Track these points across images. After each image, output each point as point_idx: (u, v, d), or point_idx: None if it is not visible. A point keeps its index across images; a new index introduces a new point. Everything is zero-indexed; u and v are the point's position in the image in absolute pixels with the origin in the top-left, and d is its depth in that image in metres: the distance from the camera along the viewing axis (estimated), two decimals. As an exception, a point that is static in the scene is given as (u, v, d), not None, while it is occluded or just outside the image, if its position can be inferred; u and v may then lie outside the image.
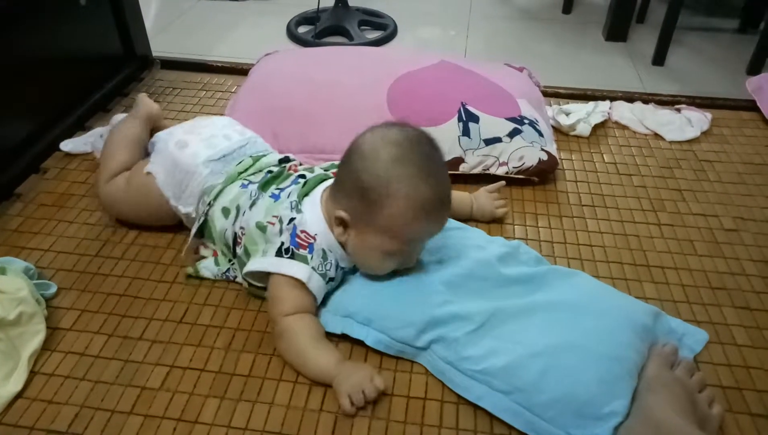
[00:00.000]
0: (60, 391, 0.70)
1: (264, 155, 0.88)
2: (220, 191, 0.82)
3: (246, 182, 0.83)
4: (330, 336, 0.75)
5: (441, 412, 0.68)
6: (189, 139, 0.87)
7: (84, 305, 0.81)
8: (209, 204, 0.82)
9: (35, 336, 0.73)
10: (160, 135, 0.90)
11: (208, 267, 0.84)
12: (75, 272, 0.86)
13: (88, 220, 0.95)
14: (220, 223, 0.81)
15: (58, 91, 1.17)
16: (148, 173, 0.87)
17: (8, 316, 0.71)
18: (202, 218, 0.83)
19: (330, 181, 0.79)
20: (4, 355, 0.70)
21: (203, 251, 0.86)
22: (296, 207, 0.77)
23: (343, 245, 0.76)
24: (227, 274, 0.83)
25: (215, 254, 0.85)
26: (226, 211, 0.81)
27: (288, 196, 0.79)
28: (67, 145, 1.11)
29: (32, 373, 0.72)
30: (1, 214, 0.96)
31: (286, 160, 0.88)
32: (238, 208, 0.80)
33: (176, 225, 0.91)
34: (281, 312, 0.72)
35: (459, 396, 0.69)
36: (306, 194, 0.79)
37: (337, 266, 0.76)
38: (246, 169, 0.85)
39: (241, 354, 0.74)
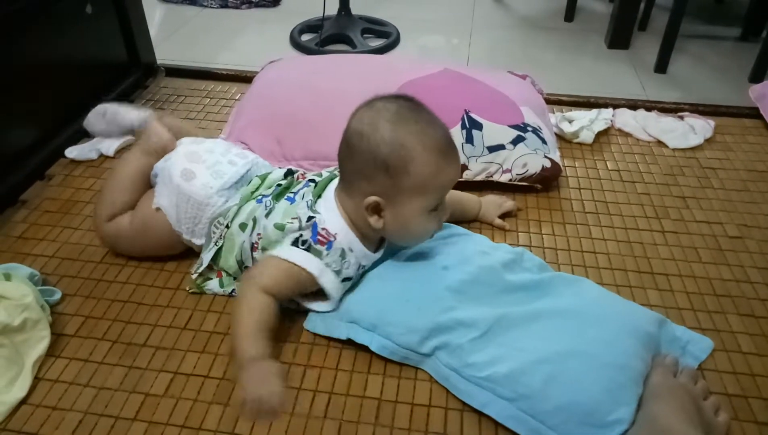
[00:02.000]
0: (64, 397, 0.70)
1: (270, 173, 0.87)
2: (236, 212, 0.82)
3: (260, 197, 0.83)
4: (335, 341, 0.76)
5: (445, 419, 0.68)
6: (194, 168, 0.83)
7: (88, 311, 0.81)
8: (227, 226, 0.81)
9: (39, 342, 0.73)
10: (159, 166, 0.87)
11: (212, 288, 0.84)
12: (79, 278, 0.86)
13: (92, 226, 0.95)
14: (239, 239, 0.81)
15: (64, 97, 1.17)
16: (158, 209, 0.84)
17: (13, 322, 0.71)
18: (221, 242, 0.82)
19: (338, 180, 0.79)
20: (9, 361, 0.70)
21: (207, 272, 0.85)
22: (312, 207, 0.77)
23: (376, 232, 0.76)
24: (233, 294, 0.83)
25: (219, 275, 0.85)
26: (243, 226, 0.81)
27: (303, 198, 0.79)
28: (72, 152, 1.12)
29: (36, 379, 0.72)
30: (6, 221, 0.97)
31: (291, 172, 0.88)
32: (255, 220, 0.80)
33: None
34: (257, 279, 0.72)
35: (463, 403, 0.69)
36: (318, 195, 0.79)
37: (358, 266, 0.77)
38: (257, 188, 0.84)
39: (245, 360, 0.74)
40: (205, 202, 0.82)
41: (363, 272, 0.79)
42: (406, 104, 0.73)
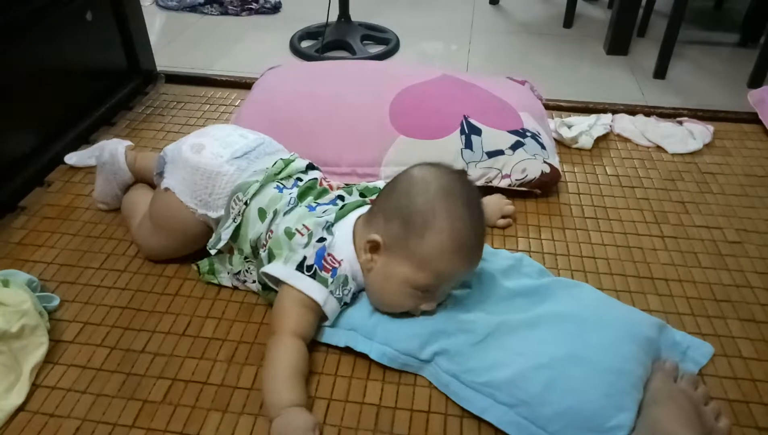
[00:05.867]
0: (62, 404, 0.70)
1: (293, 160, 0.86)
2: (257, 191, 0.80)
3: (280, 186, 0.82)
4: (334, 347, 0.75)
5: (445, 425, 0.68)
6: (203, 141, 0.84)
7: (86, 318, 0.81)
8: (246, 202, 0.79)
9: (38, 349, 0.73)
10: (167, 148, 0.87)
11: (222, 261, 0.83)
12: (78, 285, 0.86)
13: (91, 232, 0.96)
14: (254, 225, 0.79)
15: (63, 104, 1.18)
16: (166, 189, 0.83)
17: (11, 328, 0.71)
18: (239, 219, 0.80)
19: (366, 208, 0.79)
20: (6, 368, 0.70)
21: (218, 263, 0.85)
22: (329, 228, 0.76)
23: (364, 273, 0.75)
24: (238, 276, 0.82)
25: (231, 252, 0.83)
26: (262, 213, 0.79)
27: (324, 213, 0.78)
28: (71, 159, 1.12)
29: (34, 386, 0.71)
30: (5, 227, 0.97)
31: (312, 167, 0.88)
32: (275, 213, 0.78)
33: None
34: (283, 327, 0.71)
35: (463, 409, 0.69)
36: (342, 217, 0.78)
37: (355, 294, 0.77)
38: (280, 172, 0.83)
39: (244, 367, 0.74)
40: (216, 171, 0.81)
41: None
42: (467, 190, 0.73)
